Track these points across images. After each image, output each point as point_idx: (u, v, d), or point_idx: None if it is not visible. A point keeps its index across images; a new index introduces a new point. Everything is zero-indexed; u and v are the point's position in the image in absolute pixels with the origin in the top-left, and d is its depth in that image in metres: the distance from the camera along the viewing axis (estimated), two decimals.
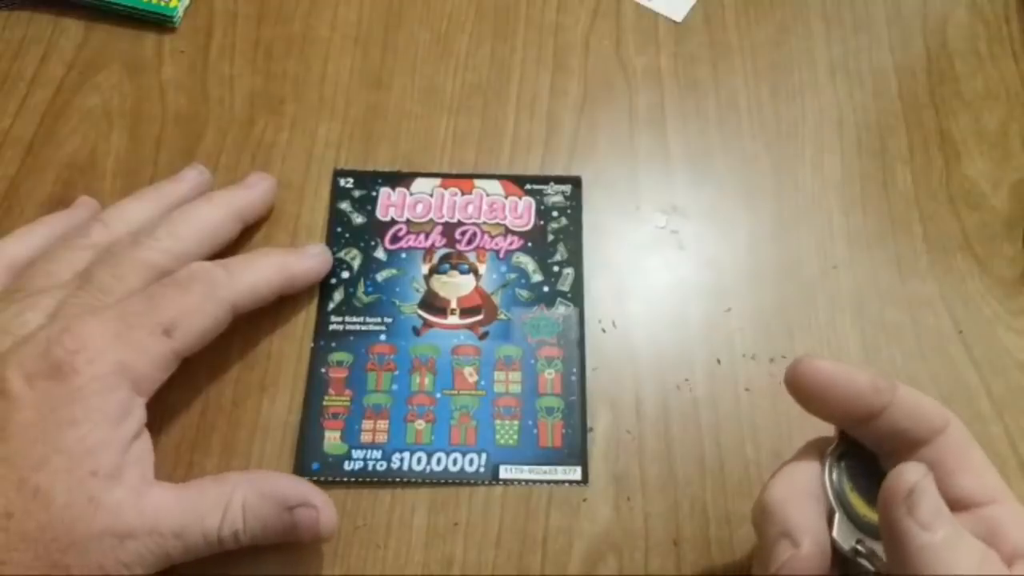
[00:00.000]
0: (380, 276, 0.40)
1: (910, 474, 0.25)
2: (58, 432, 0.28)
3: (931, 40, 0.48)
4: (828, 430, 0.31)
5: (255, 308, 0.36)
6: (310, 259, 0.38)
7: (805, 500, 0.28)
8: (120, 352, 0.30)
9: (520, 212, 0.41)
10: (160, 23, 0.46)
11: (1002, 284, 0.40)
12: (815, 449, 0.30)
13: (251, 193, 0.39)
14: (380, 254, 0.40)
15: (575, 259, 0.40)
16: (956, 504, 0.27)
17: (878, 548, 0.27)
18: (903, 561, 0.24)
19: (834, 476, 0.28)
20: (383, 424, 0.36)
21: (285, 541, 0.32)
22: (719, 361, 0.38)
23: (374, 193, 0.42)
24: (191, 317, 0.32)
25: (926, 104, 0.45)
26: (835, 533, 0.27)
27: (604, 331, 0.39)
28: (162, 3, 0.46)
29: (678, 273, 0.41)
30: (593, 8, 0.48)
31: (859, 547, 0.27)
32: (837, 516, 0.28)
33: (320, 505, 0.32)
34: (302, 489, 0.32)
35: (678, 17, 0.48)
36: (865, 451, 0.30)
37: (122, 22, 0.46)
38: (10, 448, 0.28)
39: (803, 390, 0.29)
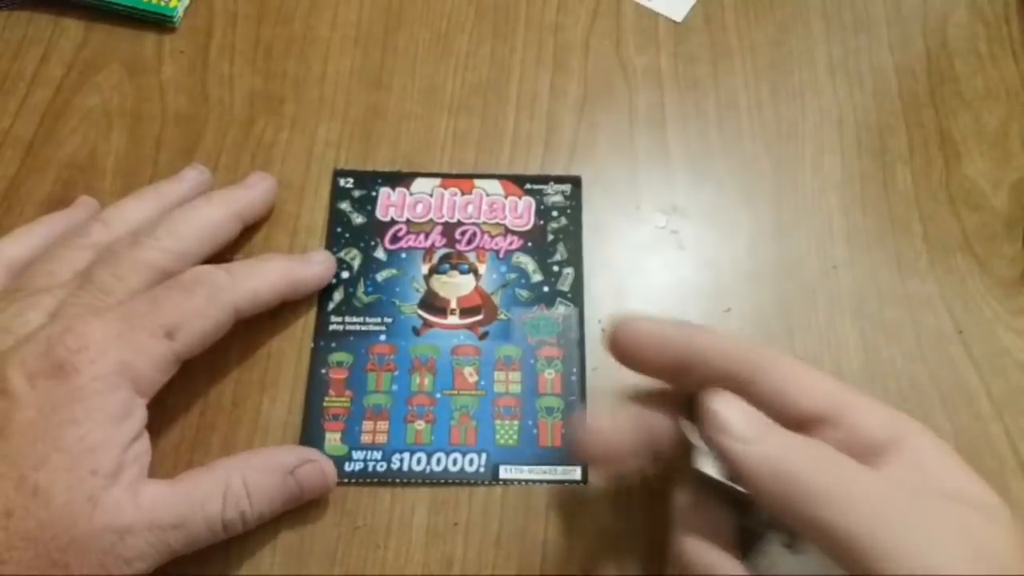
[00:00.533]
0: (380, 276, 0.40)
1: (711, 399, 0.27)
2: (58, 431, 0.28)
3: (931, 40, 0.48)
4: None
5: (257, 313, 0.35)
6: (314, 266, 0.38)
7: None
8: (122, 352, 0.30)
9: (520, 212, 0.41)
10: (160, 23, 0.46)
11: (1002, 284, 0.40)
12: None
13: (251, 193, 0.39)
14: (380, 254, 0.40)
15: (575, 259, 0.40)
16: (814, 427, 0.27)
17: None
18: (745, 480, 0.25)
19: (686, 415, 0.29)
20: (383, 425, 0.36)
21: (291, 507, 0.33)
22: None
23: (374, 193, 0.42)
24: (193, 320, 0.32)
25: (926, 104, 0.45)
26: (699, 466, 0.27)
27: (604, 331, 0.39)
28: (162, 3, 0.46)
29: (678, 273, 0.41)
30: (593, 8, 0.48)
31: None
32: (696, 452, 0.28)
33: (319, 458, 0.34)
34: (296, 450, 0.34)
35: (678, 17, 0.48)
36: None
37: (122, 22, 0.46)
38: (10, 446, 0.28)
39: (620, 349, 0.30)
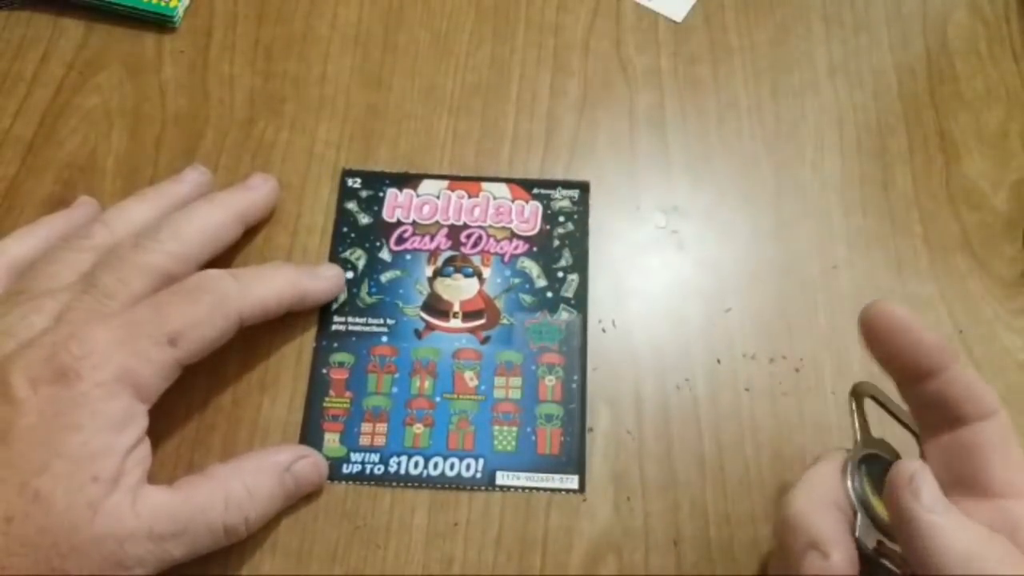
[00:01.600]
0: (384, 277, 0.40)
1: (911, 464, 0.26)
2: (60, 437, 0.28)
3: (931, 40, 0.48)
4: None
5: (263, 321, 0.35)
6: (323, 281, 0.38)
7: (828, 510, 0.28)
8: (124, 359, 0.30)
9: (527, 216, 0.41)
10: (160, 23, 0.46)
11: (1002, 284, 0.40)
12: (832, 459, 0.30)
13: (253, 194, 0.39)
14: (385, 255, 0.40)
15: (580, 265, 0.40)
16: (982, 491, 0.27)
17: (900, 550, 0.27)
18: (914, 545, 0.25)
19: (855, 481, 0.29)
20: (382, 427, 0.36)
21: (288, 504, 0.34)
22: (719, 361, 0.38)
23: (381, 194, 0.42)
24: (197, 328, 0.32)
25: (926, 104, 0.45)
26: (858, 533, 0.28)
27: (604, 331, 0.39)
28: (162, 3, 0.46)
29: (678, 273, 0.41)
30: (593, 8, 0.48)
31: (881, 547, 0.27)
32: (859, 517, 0.28)
33: (310, 453, 0.35)
34: (287, 448, 0.35)
35: (678, 17, 0.48)
36: (883, 460, 0.30)
37: (122, 22, 0.46)
38: (12, 452, 0.28)
39: (875, 330, 0.29)
